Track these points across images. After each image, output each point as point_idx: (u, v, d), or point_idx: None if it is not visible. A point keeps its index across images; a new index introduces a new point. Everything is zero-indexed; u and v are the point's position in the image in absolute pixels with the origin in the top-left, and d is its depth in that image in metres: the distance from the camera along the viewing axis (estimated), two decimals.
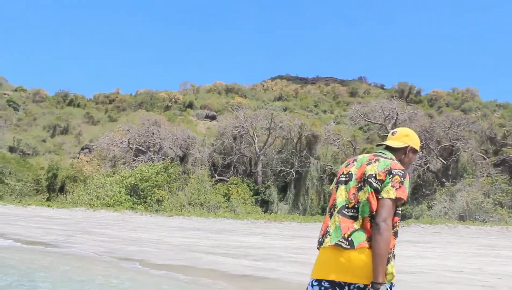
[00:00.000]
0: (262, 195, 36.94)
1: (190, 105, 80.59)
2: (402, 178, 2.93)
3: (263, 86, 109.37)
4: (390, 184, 2.90)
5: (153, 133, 41.64)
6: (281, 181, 39.09)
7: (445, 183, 33.83)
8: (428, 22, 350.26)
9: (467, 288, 7.68)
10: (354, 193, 2.98)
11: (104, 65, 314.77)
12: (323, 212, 35.07)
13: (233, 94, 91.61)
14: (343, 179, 3.10)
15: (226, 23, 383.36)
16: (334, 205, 3.04)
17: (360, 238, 2.84)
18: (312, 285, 2.98)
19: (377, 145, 3.49)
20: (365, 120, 43.85)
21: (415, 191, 37.12)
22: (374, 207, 2.88)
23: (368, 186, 2.93)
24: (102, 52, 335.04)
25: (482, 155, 40.12)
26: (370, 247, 2.80)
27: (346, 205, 2.98)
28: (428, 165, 37.38)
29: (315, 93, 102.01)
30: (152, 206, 33.27)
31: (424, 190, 37.14)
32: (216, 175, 39.58)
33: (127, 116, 59.35)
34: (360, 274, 2.81)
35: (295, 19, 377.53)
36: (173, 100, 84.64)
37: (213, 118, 70.57)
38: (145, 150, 41.26)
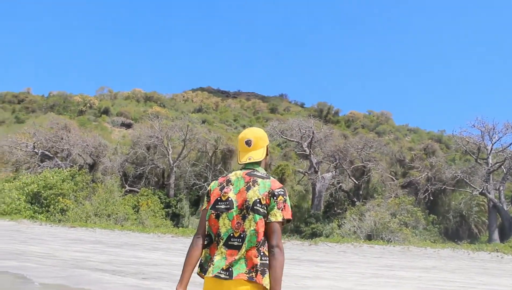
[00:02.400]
0: (173, 208, 35.92)
1: (106, 111, 77.69)
2: (284, 197, 2.98)
3: (184, 96, 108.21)
4: (276, 207, 2.92)
5: (62, 138, 39.43)
6: (194, 194, 38.31)
7: (356, 203, 34.70)
8: (347, 45, 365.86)
9: None
10: (238, 222, 2.94)
11: (15, 63, 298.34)
12: None
13: (152, 102, 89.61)
14: (223, 206, 3.01)
15: (149, 30, 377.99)
16: (219, 235, 2.98)
17: (240, 269, 2.85)
18: None
19: (241, 163, 3.20)
20: (282, 137, 44.31)
21: (327, 210, 37.80)
22: (261, 236, 2.90)
23: (256, 215, 2.91)
24: (13, 48, 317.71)
25: (391, 176, 41.76)
26: (249, 279, 2.82)
27: (232, 235, 2.95)
28: (340, 184, 38.25)
29: (236, 107, 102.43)
30: (55, 216, 31.28)
31: (335, 208, 37.90)
32: (126, 186, 38.11)
33: (36, 119, 56.01)
34: None
35: (220, 32, 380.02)
36: (88, 104, 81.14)
37: (129, 126, 68.32)
38: (52, 155, 38.94)
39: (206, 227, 3.06)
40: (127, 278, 10.02)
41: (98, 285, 8.87)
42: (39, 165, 37.64)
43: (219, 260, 2.90)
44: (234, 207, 2.96)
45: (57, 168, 36.19)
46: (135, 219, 32.60)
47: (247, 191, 2.97)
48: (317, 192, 35.58)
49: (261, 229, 2.89)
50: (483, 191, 34.41)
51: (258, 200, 2.92)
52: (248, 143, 3.18)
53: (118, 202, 33.79)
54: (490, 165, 35.51)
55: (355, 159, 39.06)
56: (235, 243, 2.91)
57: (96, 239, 22.19)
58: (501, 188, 34.40)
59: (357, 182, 38.20)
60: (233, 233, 2.93)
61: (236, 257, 2.86)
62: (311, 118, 41.65)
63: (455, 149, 42.17)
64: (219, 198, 3.03)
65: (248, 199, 2.94)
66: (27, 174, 35.71)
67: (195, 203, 38.31)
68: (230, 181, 3.07)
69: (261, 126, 76.74)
